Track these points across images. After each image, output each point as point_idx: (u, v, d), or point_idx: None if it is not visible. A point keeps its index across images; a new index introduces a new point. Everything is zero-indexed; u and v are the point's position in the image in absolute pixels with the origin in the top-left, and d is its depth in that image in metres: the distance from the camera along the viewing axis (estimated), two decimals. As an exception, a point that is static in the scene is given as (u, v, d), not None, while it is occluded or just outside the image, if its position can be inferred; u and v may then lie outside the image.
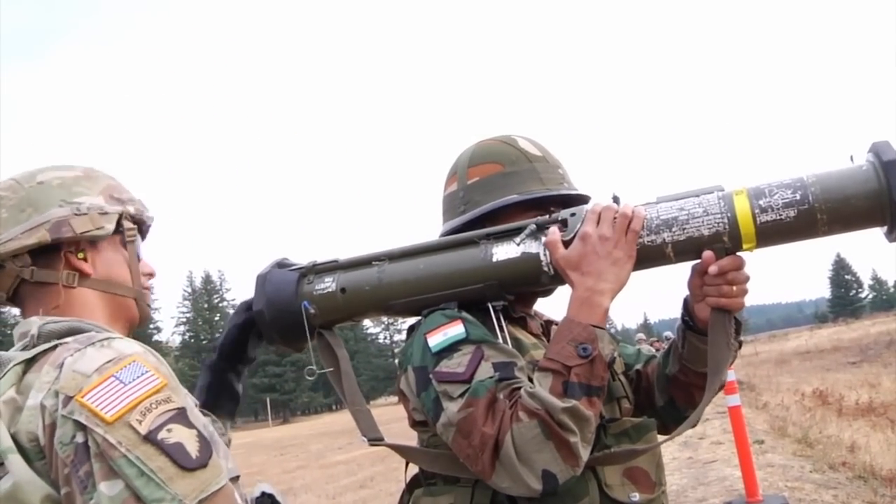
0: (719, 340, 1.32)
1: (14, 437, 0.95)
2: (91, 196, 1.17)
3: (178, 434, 0.94)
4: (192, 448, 0.94)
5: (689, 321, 1.42)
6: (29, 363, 1.01)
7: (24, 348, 1.06)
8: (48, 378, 0.98)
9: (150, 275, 1.30)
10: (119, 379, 0.95)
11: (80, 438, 0.92)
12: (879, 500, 5.44)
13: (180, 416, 0.96)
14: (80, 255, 1.15)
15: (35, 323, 1.09)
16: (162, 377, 0.99)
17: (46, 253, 1.12)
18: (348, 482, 11.57)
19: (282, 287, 1.44)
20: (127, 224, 1.21)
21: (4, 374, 1.01)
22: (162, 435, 0.93)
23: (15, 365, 1.01)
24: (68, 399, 0.94)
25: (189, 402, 1.01)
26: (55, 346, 1.03)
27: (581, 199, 1.48)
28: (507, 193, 1.45)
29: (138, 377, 0.96)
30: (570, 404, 1.15)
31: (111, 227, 1.17)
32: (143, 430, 0.92)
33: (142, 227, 1.27)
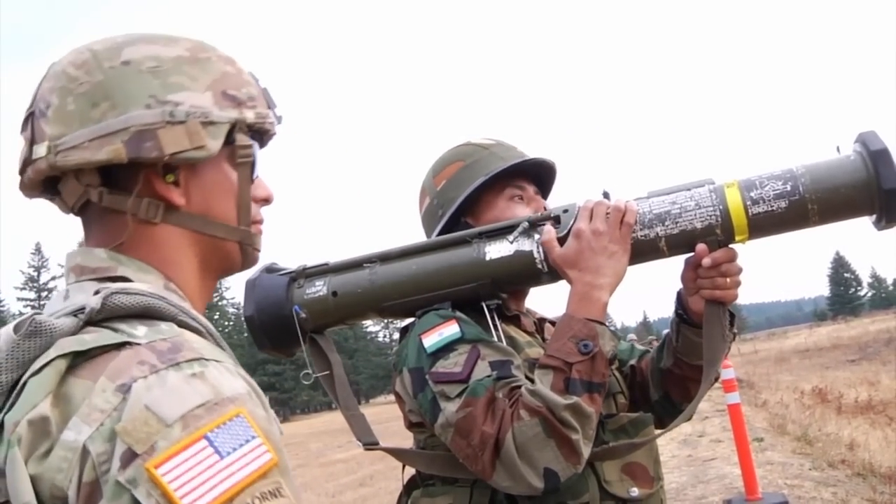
0: (714, 332, 1.33)
1: (33, 481, 0.63)
2: (195, 92, 0.81)
3: None
4: None
5: (683, 314, 1.42)
6: (77, 357, 0.68)
7: (75, 315, 0.72)
8: (103, 403, 0.64)
9: (266, 200, 0.93)
10: (213, 445, 0.63)
11: None
12: (878, 497, 5.43)
13: None
14: (170, 178, 0.81)
15: (99, 256, 0.79)
16: (272, 449, 0.67)
17: (123, 170, 0.79)
18: (348, 480, 11.58)
19: (271, 292, 1.43)
20: (241, 138, 0.85)
21: (41, 369, 0.67)
22: None
23: (58, 357, 0.67)
24: (132, 456, 0.61)
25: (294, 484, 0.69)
26: (122, 345, 0.69)
27: (545, 166, 1.52)
28: (473, 181, 1.47)
29: (242, 446, 0.65)
30: (571, 401, 1.15)
31: (217, 144, 0.81)
32: None
33: (263, 135, 0.90)
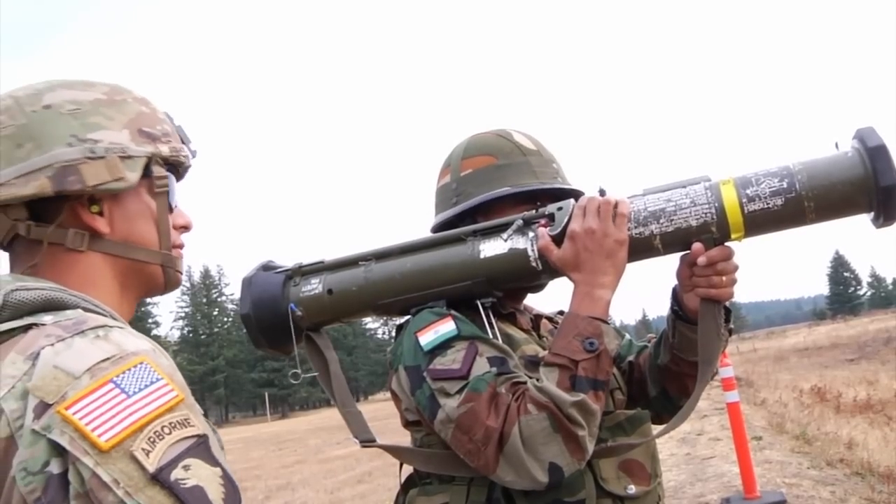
0: (709, 330, 1.32)
1: None
2: (113, 130, 0.88)
3: (197, 473, 0.68)
4: (216, 495, 0.68)
5: (679, 311, 1.41)
6: None
7: None
8: (15, 371, 0.71)
9: (185, 227, 1.02)
10: (120, 387, 0.69)
11: (55, 468, 0.66)
12: (876, 496, 5.43)
13: (202, 448, 0.71)
14: (95, 209, 0.88)
15: (4, 279, 0.83)
16: (178, 389, 0.73)
17: (50, 204, 0.86)
18: (346, 477, 11.58)
19: (267, 290, 1.43)
20: (157, 170, 0.93)
21: None
22: (177, 474, 0.67)
23: None
24: (45, 407, 0.67)
25: (208, 425, 0.76)
26: (27, 328, 0.76)
27: (574, 194, 1.47)
28: (500, 186, 1.44)
29: (147, 387, 0.71)
30: (578, 398, 1.15)
31: (135, 176, 0.89)
32: (151, 464, 0.66)
33: (178, 168, 0.99)
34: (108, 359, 0.71)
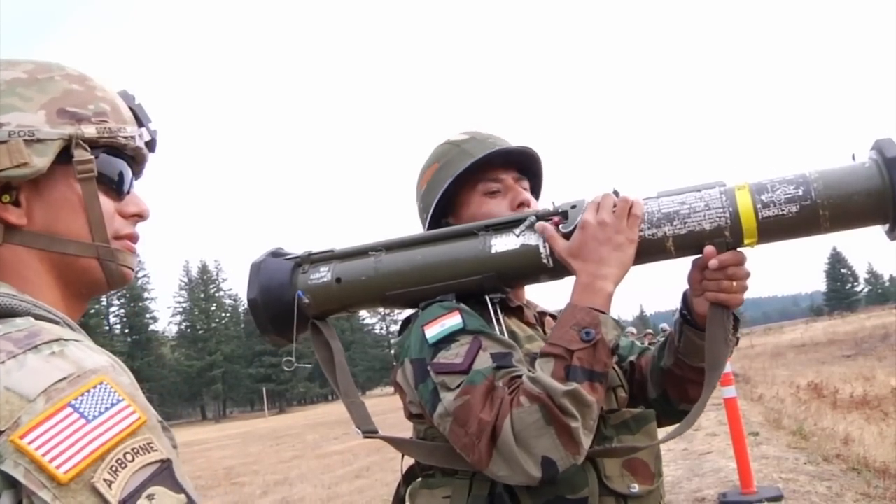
0: (717, 336, 1.31)
1: None
2: (26, 112, 0.81)
3: (161, 502, 0.64)
4: None
5: (688, 315, 1.41)
6: None
7: None
8: None
9: (138, 216, 0.93)
10: (79, 411, 0.64)
11: (7, 501, 0.62)
12: (873, 491, 5.46)
13: (166, 474, 0.66)
14: (7, 199, 0.80)
15: None
16: (139, 410, 0.68)
17: None
18: (344, 472, 11.58)
19: (276, 276, 1.43)
20: (80, 153, 0.83)
21: None
22: None
23: None
24: None
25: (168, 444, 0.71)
26: None
27: (524, 153, 1.50)
28: (445, 182, 1.47)
29: (108, 409, 0.66)
30: (571, 388, 1.13)
31: (44, 161, 0.80)
32: (114, 496, 0.62)
33: (122, 150, 0.89)
34: (64, 378, 0.66)
